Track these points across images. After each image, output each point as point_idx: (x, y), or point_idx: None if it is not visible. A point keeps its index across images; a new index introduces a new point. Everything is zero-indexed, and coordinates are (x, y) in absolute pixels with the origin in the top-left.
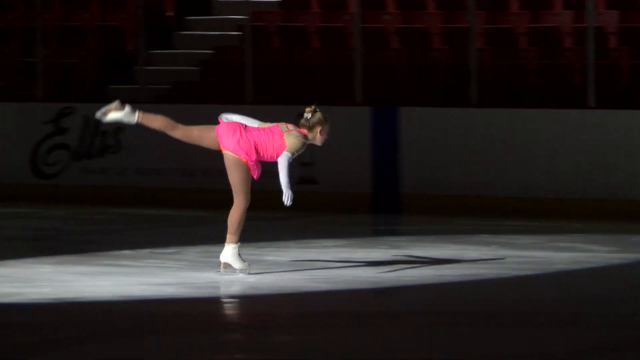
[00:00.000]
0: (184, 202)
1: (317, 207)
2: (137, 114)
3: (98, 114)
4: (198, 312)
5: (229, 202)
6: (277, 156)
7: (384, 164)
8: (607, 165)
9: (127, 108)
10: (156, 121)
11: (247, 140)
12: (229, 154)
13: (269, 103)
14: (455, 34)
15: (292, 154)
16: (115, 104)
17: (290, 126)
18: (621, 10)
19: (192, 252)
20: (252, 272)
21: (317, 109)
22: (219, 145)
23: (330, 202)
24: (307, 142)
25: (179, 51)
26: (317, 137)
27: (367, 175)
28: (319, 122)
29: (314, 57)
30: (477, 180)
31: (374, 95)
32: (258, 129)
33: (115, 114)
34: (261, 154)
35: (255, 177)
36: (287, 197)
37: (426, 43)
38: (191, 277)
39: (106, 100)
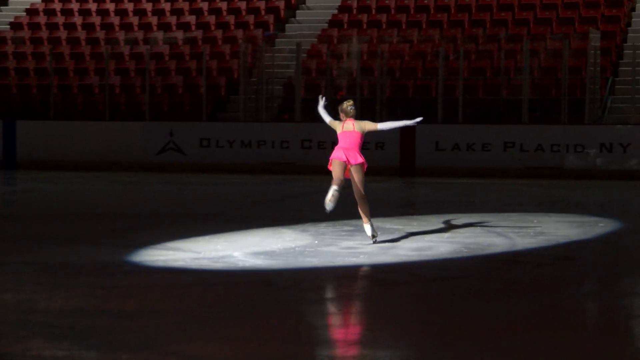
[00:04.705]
0: None
1: None
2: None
3: (329, 207)
4: None
5: None
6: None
7: None
8: None
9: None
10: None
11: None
12: (357, 166)
13: None
14: None
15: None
16: (331, 195)
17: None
18: None
19: None
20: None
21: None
22: (347, 166)
23: None
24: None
25: None
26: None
27: None
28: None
29: None
30: None
31: None
32: (352, 139)
33: (333, 200)
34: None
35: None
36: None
37: None
38: None
39: None
